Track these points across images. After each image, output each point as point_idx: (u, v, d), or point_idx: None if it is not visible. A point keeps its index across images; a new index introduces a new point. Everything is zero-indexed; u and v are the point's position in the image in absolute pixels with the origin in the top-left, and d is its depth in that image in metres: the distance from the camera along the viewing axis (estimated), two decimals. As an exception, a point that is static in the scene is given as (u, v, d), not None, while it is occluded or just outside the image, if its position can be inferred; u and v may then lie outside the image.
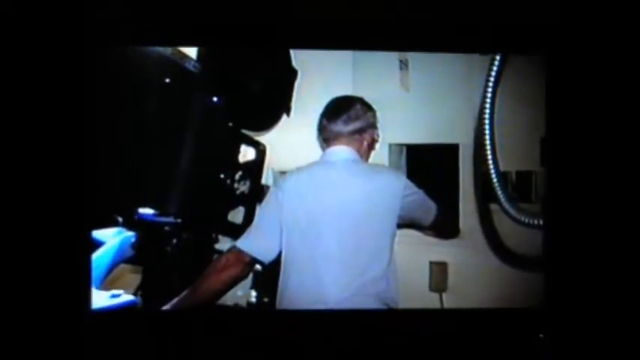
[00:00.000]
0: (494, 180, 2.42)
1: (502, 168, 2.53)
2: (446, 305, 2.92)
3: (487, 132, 2.39)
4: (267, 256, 2.35)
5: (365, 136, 2.44)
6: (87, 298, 2.29)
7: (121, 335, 2.35)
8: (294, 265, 2.30)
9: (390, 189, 2.37)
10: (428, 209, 2.49)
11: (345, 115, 2.41)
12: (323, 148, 2.46)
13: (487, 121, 2.40)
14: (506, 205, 2.45)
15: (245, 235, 2.38)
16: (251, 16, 2.38)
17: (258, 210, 2.43)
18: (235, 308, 2.65)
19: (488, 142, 2.40)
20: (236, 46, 2.47)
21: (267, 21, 2.39)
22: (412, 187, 2.43)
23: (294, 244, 2.30)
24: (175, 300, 2.36)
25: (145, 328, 2.39)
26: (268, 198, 2.39)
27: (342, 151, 2.40)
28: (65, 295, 2.27)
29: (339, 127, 2.40)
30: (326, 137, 2.43)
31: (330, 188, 2.32)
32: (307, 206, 2.30)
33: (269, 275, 2.61)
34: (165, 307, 2.36)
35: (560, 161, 2.38)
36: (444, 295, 2.95)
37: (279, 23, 2.39)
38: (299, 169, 2.40)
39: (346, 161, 2.39)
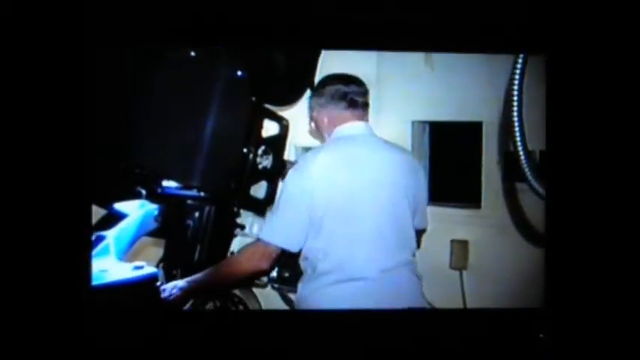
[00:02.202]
0: (522, 158, 2.39)
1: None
2: (466, 283, 2.94)
3: (515, 110, 2.37)
4: (296, 246, 2.25)
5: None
6: (87, 273, 2.26)
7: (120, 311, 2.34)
8: (332, 246, 2.20)
9: (412, 166, 2.35)
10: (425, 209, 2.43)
11: (364, 87, 2.37)
12: (335, 120, 2.35)
13: (515, 99, 2.37)
14: (535, 183, 2.42)
15: (269, 228, 2.26)
16: (254, 14, 2.35)
17: (282, 201, 2.26)
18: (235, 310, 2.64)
19: (516, 119, 2.37)
20: (244, 47, 2.43)
21: (274, 20, 2.36)
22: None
23: (329, 226, 2.20)
24: (194, 277, 2.34)
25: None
26: (292, 189, 2.24)
27: (361, 125, 2.34)
28: (65, 271, 2.25)
29: (363, 98, 2.35)
30: (350, 106, 2.33)
31: (361, 166, 2.23)
32: (342, 187, 2.20)
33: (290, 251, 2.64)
34: (184, 283, 2.35)
35: (560, 161, 2.36)
36: (464, 272, 2.96)
37: (291, 22, 2.36)
38: (319, 150, 2.29)
39: (370, 136, 2.34)
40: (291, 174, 2.28)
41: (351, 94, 2.34)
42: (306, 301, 2.27)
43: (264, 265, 2.26)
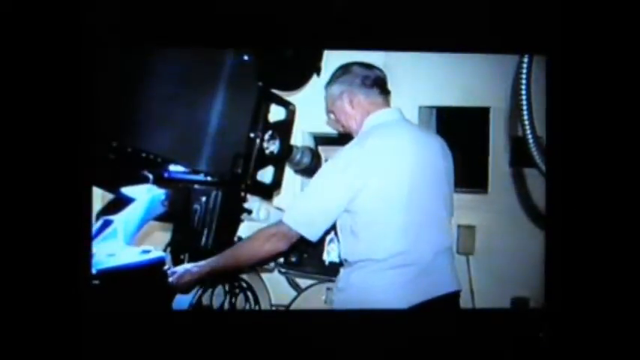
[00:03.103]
0: (531, 143, 2.38)
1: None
2: (472, 268, 2.94)
3: (524, 95, 2.36)
4: (317, 237, 2.24)
5: None
6: (88, 262, 2.27)
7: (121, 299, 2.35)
8: (385, 232, 2.19)
9: (446, 150, 2.36)
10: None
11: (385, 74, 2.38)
12: (368, 107, 2.33)
13: (524, 85, 2.36)
14: (543, 167, 2.42)
15: (297, 213, 2.24)
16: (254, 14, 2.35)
17: (319, 190, 2.24)
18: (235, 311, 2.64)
19: (524, 105, 2.37)
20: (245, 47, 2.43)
21: (274, 21, 2.36)
22: None
23: (384, 216, 2.18)
24: (208, 261, 2.35)
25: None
26: (335, 182, 2.20)
27: (396, 112, 2.34)
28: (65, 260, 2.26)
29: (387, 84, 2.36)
30: (382, 91, 2.33)
31: (407, 153, 2.21)
32: (394, 177, 2.18)
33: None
34: (195, 268, 2.36)
35: (561, 162, 2.36)
36: (470, 257, 2.96)
37: (287, 23, 2.37)
38: (364, 143, 2.21)
39: (405, 122, 2.34)
40: (335, 166, 2.23)
41: (381, 79, 2.34)
42: (358, 289, 2.24)
43: (283, 246, 2.27)
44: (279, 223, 2.28)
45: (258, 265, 2.60)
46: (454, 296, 2.31)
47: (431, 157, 2.27)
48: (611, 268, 2.34)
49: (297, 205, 2.29)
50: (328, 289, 2.66)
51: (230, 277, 2.55)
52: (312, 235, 2.23)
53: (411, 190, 2.19)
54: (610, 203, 2.34)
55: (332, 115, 2.41)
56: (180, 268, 2.38)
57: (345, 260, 2.31)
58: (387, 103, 2.34)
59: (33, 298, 2.21)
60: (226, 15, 2.32)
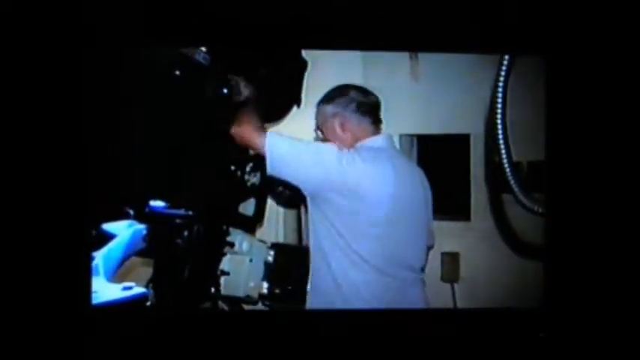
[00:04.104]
0: (507, 169, 2.40)
1: (514, 158, 2.51)
2: (458, 295, 2.93)
3: (499, 122, 2.38)
4: (273, 169, 2.28)
5: None
6: (87, 292, 2.26)
7: (122, 331, 2.34)
8: (365, 233, 2.23)
9: (426, 181, 2.39)
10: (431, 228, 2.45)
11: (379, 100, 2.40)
12: (359, 133, 2.33)
13: (499, 111, 2.38)
14: (520, 195, 2.43)
15: (284, 140, 2.29)
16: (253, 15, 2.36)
17: (311, 149, 2.29)
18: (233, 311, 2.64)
19: (500, 131, 2.39)
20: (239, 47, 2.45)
21: (271, 21, 2.37)
22: None
23: (375, 226, 2.22)
24: None
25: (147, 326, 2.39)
26: (330, 151, 2.25)
27: (387, 138, 2.36)
28: (66, 290, 2.25)
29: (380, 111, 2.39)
30: (375, 120, 2.35)
31: (394, 178, 2.25)
32: (387, 190, 2.22)
33: (280, 268, 2.63)
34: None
35: (561, 161, 2.37)
36: (455, 285, 2.95)
37: (284, 24, 2.38)
38: (360, 151, 2.26)
39: (394, 150, 2.38)
40: (332, 148, 2.27)
41: (376, 107, 2.36)
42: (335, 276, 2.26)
43: (247, 135, 2.32)
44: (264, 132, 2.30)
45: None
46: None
47: (413, 186, 2.31)
48: (611, 268, 2.34)
49: (286, 138, 2.31)
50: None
51: None
52: (271, 164, 2.26)
53: (390, 213, 2.22)
54: (609, 203, 2.34)
55: (320, 133, 2.40)
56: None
57: (320, 249, 2.30)
58: (377, 131, 2.35)
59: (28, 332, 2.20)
60: (215, 15, 2.34)
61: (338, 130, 2.33)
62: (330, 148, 2.27)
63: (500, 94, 2.38)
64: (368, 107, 2.33)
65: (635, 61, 2.37)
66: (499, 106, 2.37)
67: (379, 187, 2.22)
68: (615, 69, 2.36)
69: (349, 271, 2.23)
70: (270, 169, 2.28)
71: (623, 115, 2.36)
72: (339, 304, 2.25)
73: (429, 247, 2.43)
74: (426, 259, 2.38)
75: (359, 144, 2.30)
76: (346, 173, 2.20)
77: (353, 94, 2.34)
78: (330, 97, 2.37)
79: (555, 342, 2.36)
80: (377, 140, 2.32)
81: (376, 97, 2.37)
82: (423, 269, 2.36)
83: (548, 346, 2.36)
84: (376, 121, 2.35)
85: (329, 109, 2.35)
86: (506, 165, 2.40)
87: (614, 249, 2.35)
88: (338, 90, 2.37)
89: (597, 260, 2.36)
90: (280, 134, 2.32)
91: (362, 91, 2.36)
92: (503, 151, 2.38)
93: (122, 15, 2.30)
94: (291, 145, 2.27)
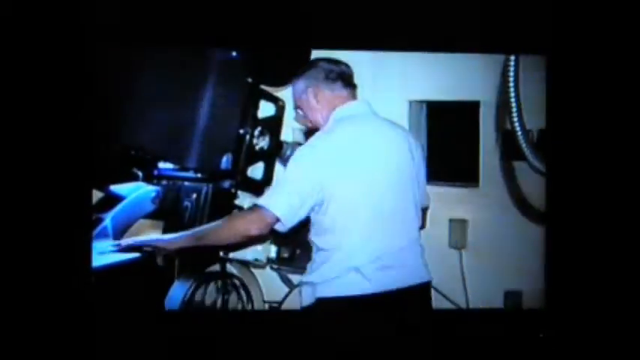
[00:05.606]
0: (520, 136, 2.38)
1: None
2: (465, 262, 2.94)
3: (512, 89, 2.35)
4: (291, 223, 2.19)
5: None
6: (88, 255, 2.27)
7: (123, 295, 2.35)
8: (350, 233, 2.17)
9: (414, 144, 2.33)
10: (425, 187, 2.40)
11: (351, 69, 2.35)
12: (333, 101, 2.30)
13: (512, 78, 2.35)
14: (534, 161, 2.41)
15: (272, 197, 2.19)
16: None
17: (290, 180, 2.20)
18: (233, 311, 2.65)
19: (513, 98, 2.36)
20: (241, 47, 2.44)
21: (269, 20, 2.36)
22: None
23: (346, 213, 2.17)
24: (181, 233, 2.30)
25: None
26: (300, 172, 2.18)
27: (363, 104, 2.33)
28: (67, 253, 2.26)
29: (353, 78, 2.34)
30: (347, 85, 2.31)
31: (371, 147, 2.21)
32: (356, 172, 2.18)
33: (288, 232, 2.63)
34: (167, 237, 2.34)
35: (561, 162, 2.36)
36: (463, 252, 2.96)
37: (282, 24, 2.37)
38: (327, 137, 2.23)
39: (372, 115, 2.32)
40: (300, 158, 2.22)
41: (346, 74, 2.33)
42: (322, 290, 2.21)
43: (255, 230, 2.20)
44: (253, 206, 2.24)
45: (227, 250, 2.57)
46: (422, 288, 2.28)
47: (395, 148, 2.26)
48: (611, 268, 2.34)
49: (273, 190, 2.28)
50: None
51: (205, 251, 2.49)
52: (287, 220, 2.18)
53: (373, 183, 2.19)
54: (610, 201, 2.34)
55: (300, 111, 2.39)
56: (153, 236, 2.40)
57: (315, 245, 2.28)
58: (353, 97, 2.33)
59: (31, 297, 2.21)
60: (224, 15, 2.33)
61: (313, 102, 2.31)
62: (295, 171, 2.21)
63: (513, 61, 2.35)
64: (336, 74, 2.31)
65: (635, 61, 2.35)
66: (512, 73, 2.34)
67: (359, 153, 2.18)
68: (615, 69, 2.34)
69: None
70: (288, 221, 2.19)
71: (623, 114, 2.35)
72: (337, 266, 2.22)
73: (424, 209, 2.40)
74: (419, 221, 2.32)
75: (334, 117, 2.28)
76: (319, 173, 2.16)
77: (321, 64, 2.34)
78: (300, 73, 2.36)
79: (555, 342, 2.36)
80: (352, 106, 2.30)
81: (347, 65, 2.35)
82: (418, 232, 2.31)
83: (548, 346, 2.36)
84: (349, 87, 2.32)
85: (300, 83, 2.35)
86: (519, 131, 2.37)
87: (614, 249, 2.34)
88: (308, 64, 2.38)
89: (597, 260, 2.36)
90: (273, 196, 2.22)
91: (330, 61, 2.35)
92: (515, 118, 2.36)
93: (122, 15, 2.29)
94: (277, 191, 2.22)
